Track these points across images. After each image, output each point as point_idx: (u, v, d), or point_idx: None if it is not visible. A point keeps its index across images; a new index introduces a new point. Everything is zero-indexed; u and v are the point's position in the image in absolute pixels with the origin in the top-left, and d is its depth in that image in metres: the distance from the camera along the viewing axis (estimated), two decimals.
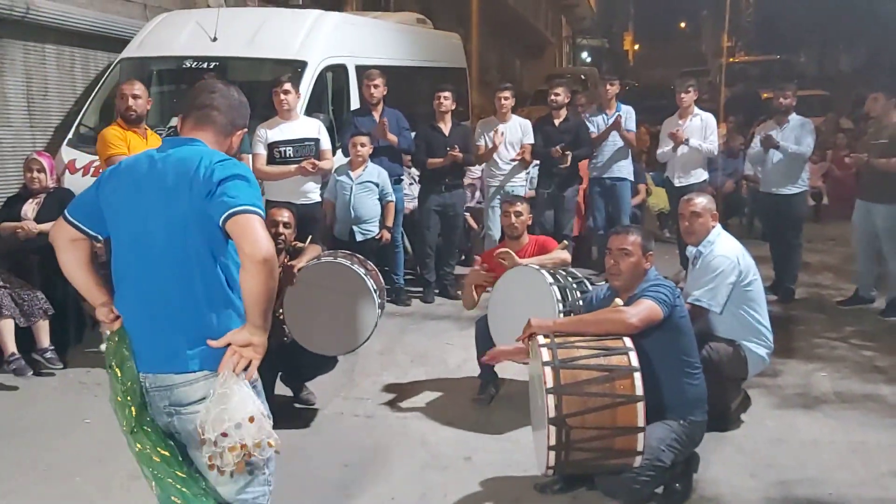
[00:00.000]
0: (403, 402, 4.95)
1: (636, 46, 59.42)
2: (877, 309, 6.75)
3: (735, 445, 4.25)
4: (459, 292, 7.06)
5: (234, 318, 2.39)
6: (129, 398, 2.44)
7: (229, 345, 2.34)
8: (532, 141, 7.44)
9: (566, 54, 40.58)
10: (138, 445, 2.44)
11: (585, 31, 42.39)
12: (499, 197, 7.36)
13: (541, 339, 3.37)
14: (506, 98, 7.48)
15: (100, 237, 2.54)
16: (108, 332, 2.53)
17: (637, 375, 3.21)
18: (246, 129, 2.63)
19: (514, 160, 7.37)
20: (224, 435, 2.28)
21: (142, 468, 2.47)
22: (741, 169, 9.69)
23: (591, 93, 18.67)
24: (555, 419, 3.15)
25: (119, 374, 2.46)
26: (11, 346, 5.24)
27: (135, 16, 8.91)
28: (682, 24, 59.61)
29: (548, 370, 3.20)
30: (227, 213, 2.26)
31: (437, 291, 7.35)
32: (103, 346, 2.53)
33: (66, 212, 2.54)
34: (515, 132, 7.44)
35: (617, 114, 7.78)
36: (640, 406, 3.18)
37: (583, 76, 25.01)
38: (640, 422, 3.19)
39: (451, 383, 5.24)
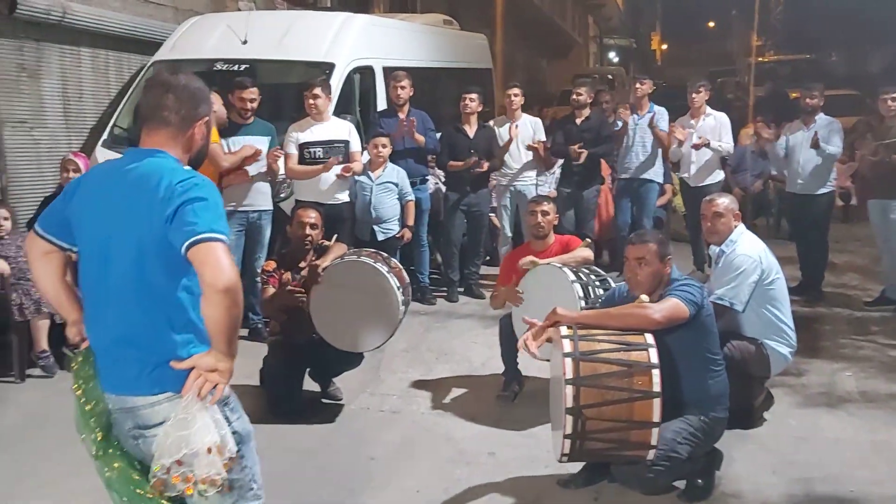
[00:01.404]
0: (428, 398, 5.03)
1: (664, 46, 59.07)
2: None
3: (758, 443, 4.27)
4: (485, 291, 7.15)
5: (195, 341, 2.31)
6: (92, 421, 2.38)
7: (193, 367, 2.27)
8: (543, 138, 7.49)
9: (593, 54, 40.44)
10: (107, 470, 2.36)
11: (612, 31, 42.19)
12: (509, 196, 7.45)
13: (563, 331, 3.43)
14: (515, 95, 7.55)
15: (73, 249, 2.45)
16: (73, 353, 2.48)
17: (656, 372, 3.25)
18: (208, 118, 2.45)
19: (530, 147, 7.39)
20: (179, 463, 2.20)
21: (112, 495, 2.38)
22: (769, 169, 9.64)
23: (618, 93, 18.65)
24: (572, 409, 3.21)
25: (83, 397, 2.39)
26: (44, 344, 5.39)
27: (166, 19, 9.09)
28: (711, 24, 59.06)
29: (568, 361, 3.26)
30: (188, 243, 2.16)
31: (461, 290, 7.42)
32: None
33: (36, 225, 2.47)
34: (527, 131, 7.49)
35: (651, 113, 7.73)
36: (657, 402, 3.23)
37: (610, 76, 24.97)
38: (656, 417, 3.24)
39: (476, 380, 5.31)
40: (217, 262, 2.15)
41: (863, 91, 18.47)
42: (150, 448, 2.30)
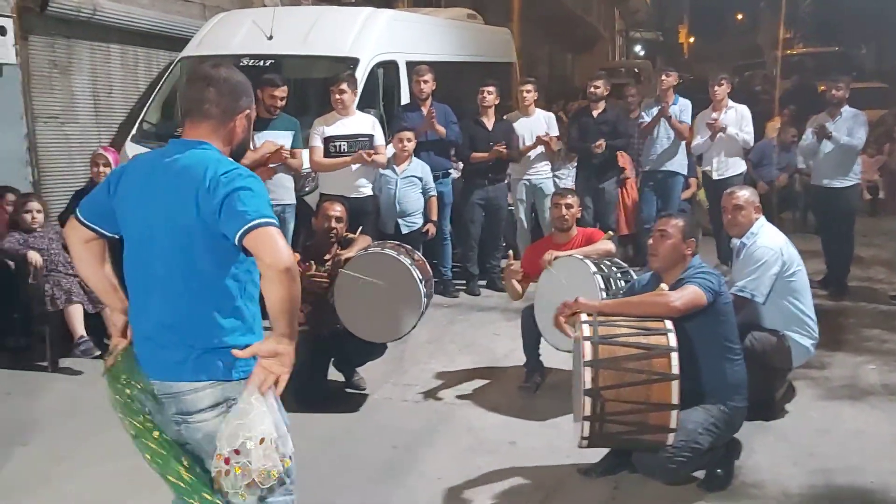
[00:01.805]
0: (451, 388, 5.09)
1: (691, 39, 58.51)
2: None
3: (778, 434, 4.28)
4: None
5: (241, 328, 2.35)
6: (132, 408, 2.42)
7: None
8: (557, 133, 7.52)
9: (619, 48, 40.20)
10: (147, 454, 2.40)
11: (639, 25, 41.90)
12: (524, 189, 7.54)
13: (583, 317, 3.48)
14: (528, 91, 7.59)
15: (115, 236, 2.49)
16: (114, 349, 2.51)
17: (674, 355, 3.29)
18: (249, 111, 2.49)
19: (539, 140, 7.43)
20: (237, 452, 2.23)
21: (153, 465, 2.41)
22: (794, 162, 9.58)
23: (645, 86, 18.54)
24: (590, 391, 3.26)
25: (121, 388, 2.43)
26: (80, 330, 5.50)
27: (194, 15, 9.22)
28: (739, 16, 58.41)
29: (587, 345, 3.32)
30: (241, 231, 2.20)
31: (483, 284, 7.47)
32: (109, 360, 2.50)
33: (77, 212, 2.50)
34: (540, 126, 7.52)
35: (672, 107, 7.74)
36: (676, 384, 3.27)
37: (636, 69, 24.82)
38: (675, 399, 3.27)
39: (498, 371, 5.37)
40: (274, 244, 2.20)
41: (892, 84, 18.22)
42: (193, 434, 2.36)
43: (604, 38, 35.08)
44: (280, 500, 2.41)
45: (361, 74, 7.34)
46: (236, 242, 2.22)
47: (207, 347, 2.31)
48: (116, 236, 2.50)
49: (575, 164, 7.92)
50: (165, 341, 2.34)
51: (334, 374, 5.03)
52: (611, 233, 5.33)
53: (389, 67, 7.87)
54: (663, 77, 7.96)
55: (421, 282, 4.56)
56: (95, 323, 5.53)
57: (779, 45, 21.80)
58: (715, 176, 7.59)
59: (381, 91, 7.79)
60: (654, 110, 7.86)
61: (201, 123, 2.41)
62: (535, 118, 7.56)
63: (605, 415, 3.29)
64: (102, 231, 2.49)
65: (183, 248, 2.30)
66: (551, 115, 7.77)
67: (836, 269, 7.19)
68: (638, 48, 40.77)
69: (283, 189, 6.24)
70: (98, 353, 5.49)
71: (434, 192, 6.88)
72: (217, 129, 2.41)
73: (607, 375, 3.29)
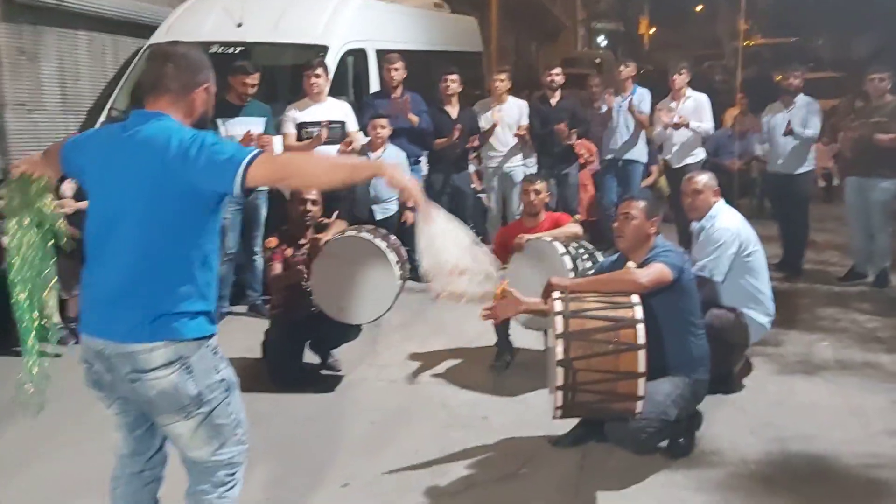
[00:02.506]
0: (424, 369, 5.24)
1: (652, 30, 59.11)
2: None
3: (737, 407, 4.51)
4: None
5: (195, 294, 2.45)
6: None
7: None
8: (527, 121, 7.71)
9: (582, 38, 40.52)
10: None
11: (601, 15, 42.27)
12: (497, 178, 7.69)
13: (555, 294, 3.66)
14: (501, 80, 7.76)
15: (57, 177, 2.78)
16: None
17: (640, 327, 3.48)
18: (208, 84, 2.57)
19: (516, 135, 7.64)
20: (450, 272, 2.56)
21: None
22: (751, 150, 9.86)
23: (607, 77, 18.81)
24: (562, 361, 3.45)
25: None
26: (56, 317, 5.54)
27: (161, 2, 9.20)
28: (699, 8, 59.13)
29: (559, 319, 3.50)
30: (239, 173, 2.29)
31: None
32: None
33: (63, 146, 2.70)
34: (513, 113, 7.69)
35: (630, 97, 7.96)
36: (642, 354, 3.46)
37: (598, 60, 25.12)
38: (641, 368, 3.47)
39: (469, 352, 5.53)
40: (277, 159, 2.51)
41: (847, 74, 18.71)
42: (146, 391, 2.44)
43: (567, 29, 35.37)
44: (234, 449, 2.58)
45: (331, 62, 7.43)
46: (238, 189, 2.32)
47: (163, 311, 2.42)
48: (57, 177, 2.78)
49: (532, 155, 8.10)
50: (123, 304, 2.43)
51: (310, 357, 5.15)
52: (578, 217, 5.52)
53: (359, 55, 7.96)
54: (621, 68, 8.16)
55: (396, 264, 4.69)
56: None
57: (739, 36, 22.19)
58: (675, 164, 7.82)
59: (350, 79, 7.88)
60: (616, 101, 8.05)
61: (161, 97, 2.49)
62: (508, 106, 7.71)
63: (576, 384, 3.47)
64: (61, 166, 2.70)
65: (145, 217, 2.40)
66: (524, 102, 7.93)
67: (791, 253, 7.49)
68: (600, 39, 41.13)
69: None
70: (74, 341, 5.54)
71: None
72: (176, 102, 2.50)
73: (578, 346, 3.47)
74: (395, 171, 2.52)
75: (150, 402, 2.47)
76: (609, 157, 8.16)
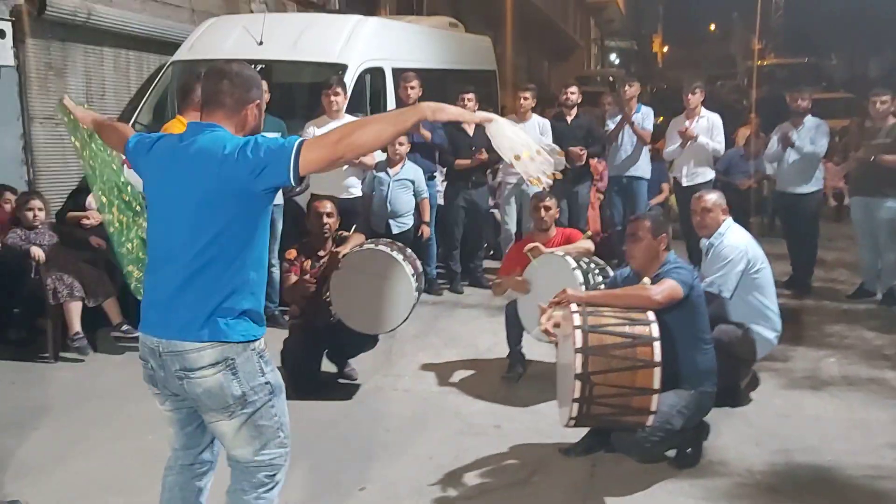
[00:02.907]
0: (438, 378, 5.38)
1: (665, 48, 59.43)
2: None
3: (744, 419, 4.62)
4: (491, 281, 7.50)
5: (245, 292, 2.58)
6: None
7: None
8: (550, 140, 7.85)
9: (594, 56, 40.81)
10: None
11: (614, 34, 42.56)
12: (514, 194, 7.85)
13: (574, 307, 3.79)
14: (525, 98, 7.92)
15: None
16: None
17: (657, 344, 3.61)
18: (259, 101, 2.72)
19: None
20: (517, 158, 2.79)
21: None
22: (763, 169, 9.97)
23: (618, 94, 19.00)
24: (581, 375, 3.56)
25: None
26: (77, 326, 5.71)
27: (183, 20, 9.44)
28: (712, 27, 59.44)
29: (578, 333, 3.62)
30: (291, 163, 2.42)
31: (466, 283, 7.78)
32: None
33: (131, 139, 2.91)
34: (534, 132, 7.84)
35: (634, 115, 8.10)
36: (657, 371, 3.58)
37: (611, 78, 25.31)
38: (656, 384, 3.59)
39: (482, 363, 5.66)
40: (324, 139, 2.51)
41: (859, 94, 18.83)
42: (193, 389, 2.57)
43: (580, 47, 35.63)
44: (275, 451, 2.69)
45: (349, 80, 7.61)
46: (293, 178, 2.45)
47: (213, 311, 2.54)
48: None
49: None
50: (177, 304, 2.57)
51: (327, 367, 5.29)
52: (589, 233, 5.65)
53: (376, 74, 8.14)
54: (626, 88, 8.31)
55: (412, 276, 4.84)
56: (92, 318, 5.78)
57: (752, 55, 22.34)
58: (684, 182, 7.95)
59: (368, 97, 8.06)
60: (619, 118, 8.23)
61: (216, 112, 2.66)
62: (531, 124, 7.88)
63: (593, 397, 3.60)
64: (127, 154, 2.92)
65: (201, 221, 2.53)
66: (546, 121, 8.08)
67: (800, 270, 7.60)
68: (613, 57, 41.37)
69: None
70: (90, 351, 5.72)
71: (426, 195, 7.18)
72: (231, 117, 2.66)
73: (596, 361, 3.59)
74: (436, 107, 2.64)
75: (198, 399, 2.61)
76: (614, 173, 8.34)
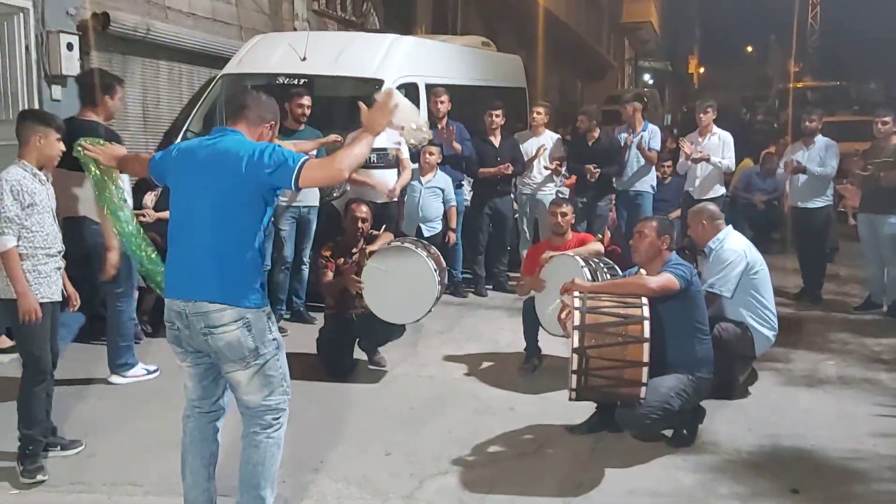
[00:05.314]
0: (459, 368, 5.86)
1: (701, 69, 59.50)
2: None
3: (739, 409, 5.03)
4: (514, 284, 7.96)
5: (253, 268, 3.15)
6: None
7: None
8: (561, 153, 8.35)
9: (628, 76, 41.11)
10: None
11: (649, 54, 42.82)
12: (529, 202, 8.42)
13: (576, 293, 4.30)
14: (538, 113, 8.51)
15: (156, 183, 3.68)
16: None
17: (646, 323, 4.08)
18: (274, 122, 3.36)
19: (547, 167, 8.31)
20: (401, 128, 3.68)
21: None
22: (781, 188, 10.32)
23: (651, 114, 19.40)
24: (577, 349, 4.05)
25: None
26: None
27: (232, 36, 10.08)
28: (749, 48, 59.46)
29: (576, 313, 4.13)
30: (294, 175, 3.03)
31: (490, 287, 8.26)
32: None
33: (154, 157, 3.46)
34: (546, 146, 8.35)
35: (641, 134, 8.63)
36: (646, 345, 4.05)
37: (644, 98, 25.66)
38: (646, 357, 4.05)
39: (501, 356, 6.12)
40: (319, 164, 3.21)
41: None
42: (216, 342, 3.12)
43: (613, 67, 35.99)
44: (279, 398, 3.26)
45: None
46: (294, 185, 3.06)
47: (232, 280, 3.12)
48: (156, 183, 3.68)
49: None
50: (203, 273, 3.13)
51: (358, 354, 5.79)
52: (600, 236, 6.13)
53: (410, 89, 8.64)
54: (629, 107, 8.79)
55: (435, 271, 5.32)
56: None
57: (788, 77, 22.53)
58: (695, 196, 8.35)
59: None
60: (623, 136, 8.71)
61: (239, 121, 3.28)
62: (543, 138, 8.37)
63: (588, 369, 4.07)
64: (151, 177, 3.49)
65: (223, 208, 3.10)
66: (557, 136, 8.62)
67: (810, 283, 7.95)
68: (647, 77, 41.63)
69: (310, 193, 6.93)
70: (143, 335, 6.24)
71: (454, 203, 7.69)
72: (250, 129, 3.27)
73: (591, 337, 4.08)
74: (373, 125, 3.30)
75: (219, 351, 3.15)
76: (621, 188, 8.79)
